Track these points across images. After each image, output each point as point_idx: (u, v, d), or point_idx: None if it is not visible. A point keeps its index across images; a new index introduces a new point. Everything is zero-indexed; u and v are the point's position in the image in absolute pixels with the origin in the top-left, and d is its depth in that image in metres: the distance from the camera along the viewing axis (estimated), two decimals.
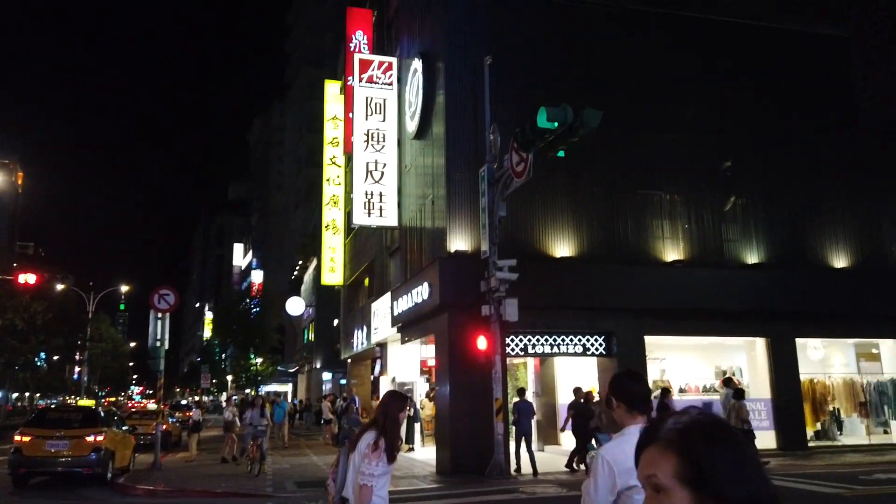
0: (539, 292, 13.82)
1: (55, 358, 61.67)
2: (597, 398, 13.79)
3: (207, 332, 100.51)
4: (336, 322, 42.37)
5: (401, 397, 4.24)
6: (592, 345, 15.11)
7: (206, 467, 16.10)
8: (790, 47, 17.73)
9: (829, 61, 17.98)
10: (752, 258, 16.25)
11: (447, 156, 15.05)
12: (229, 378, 65.46)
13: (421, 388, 21.82)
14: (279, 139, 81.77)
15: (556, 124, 10.49)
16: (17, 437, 13.12)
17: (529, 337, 14.81)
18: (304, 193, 72.99)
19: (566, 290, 14.56)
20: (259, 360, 49.27)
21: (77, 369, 73.90)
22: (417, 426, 20.04)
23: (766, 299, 15.40)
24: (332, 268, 29.82)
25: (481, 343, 13.19)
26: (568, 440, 18.10)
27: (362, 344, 24.75)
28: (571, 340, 15.04)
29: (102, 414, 14.85)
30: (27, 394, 62.20)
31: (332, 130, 30.37)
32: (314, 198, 63.97)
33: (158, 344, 16.28)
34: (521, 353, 14.79)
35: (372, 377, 28.60)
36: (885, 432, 16.68)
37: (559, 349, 14.98)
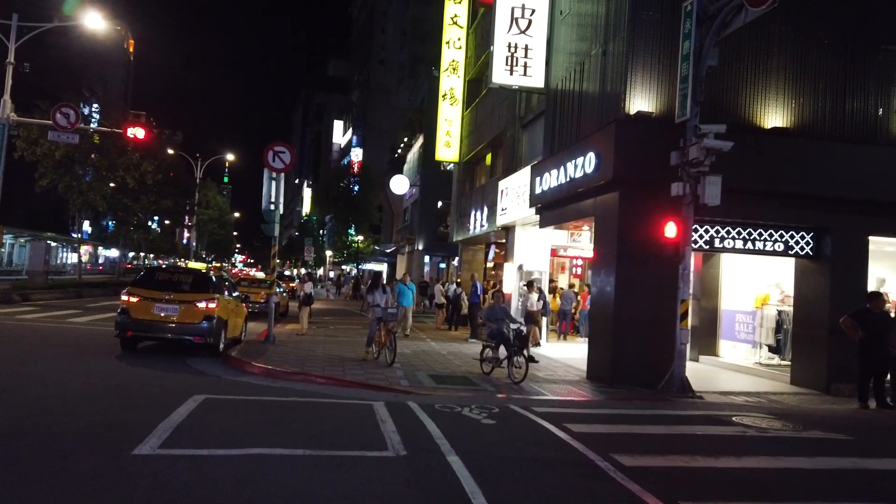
0: (738, 172, 10.73)
1: (166, 222, 63.81)
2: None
3: (306, 208, 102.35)
4: (440, 203, 40.39)
5: None
6: (797, 242, 12.01)
7: (322, 344, 14.65)
8: None
9: None
10: None
11: None
12: (328, 253, 66.14)
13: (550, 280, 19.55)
14: (383, 10, 77.71)
15: None
16: (125, 297, 11.80)
17: (718, 228, 11.86)
18: (409, 69, 69.73)
19: (774, 172, 11.37)
20: (360, 238, 48.51)
21: (186, 234, 76.97)
22: (545, 320, 17.91)
23: None
24: (448, 142, 27.17)
25: (670, 230, 10.43)
26: (728, 351, 15.50)
27: (481, 226, 22.45)
28: (771, 236, 11.98)
29: (214, 279, 13.38)
30: (142, 254, 65.35)
31: None
32: (420, 73, 60.68)
33: (273, 207, 14.47)
34: (706, 248, 11.92)
35: (486, 263, 26.59)
36: None
37: (754, 246, 11.98)
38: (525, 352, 11.05)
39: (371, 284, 13.21)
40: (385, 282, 13.11)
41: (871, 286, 12.43)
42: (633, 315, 11.24)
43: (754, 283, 14.98)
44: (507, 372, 11.07)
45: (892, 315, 10.43)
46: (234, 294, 14.35)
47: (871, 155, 11.68)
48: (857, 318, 9.94)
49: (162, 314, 11.74)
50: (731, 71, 11.60)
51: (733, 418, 8.25)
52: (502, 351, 11.29)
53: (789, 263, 13.15)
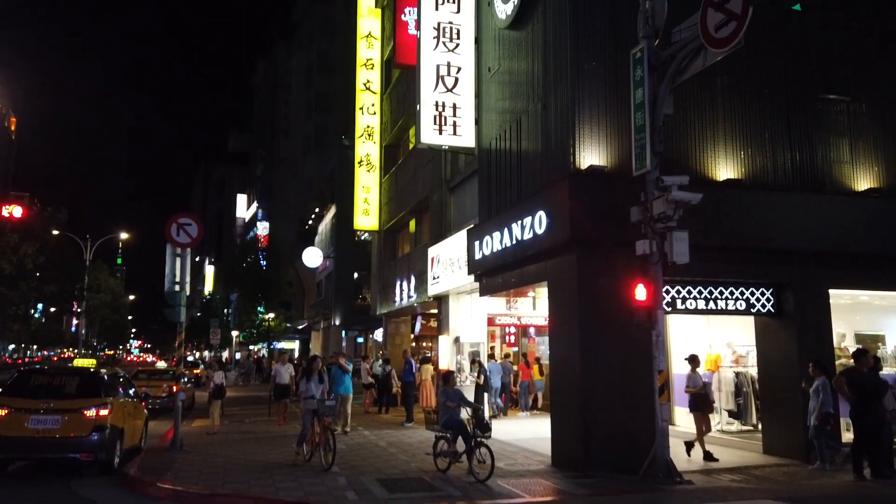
0: (696, 228, 9.93)
1: (52, 310, 58.15)
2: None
3: (209, 287, 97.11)
4: (357, 275, 38.66)
5: None
6: (758, 300, 11.35)
7: (239, 445, 12.52)
8: None
9: None
10: None
11: (574, 39, 10.98)
12: (234, 334, 62.24)
13: (492, 352, 18.23)
14: (286, 82, 76.90)
15: None
16: None
17: (679, 287, 11.03)
18: (315, 140, 68.69)
19: (731, 226, 10.75)
20: (271, 315, 45.60)
21: (75, 321, 70.64)
22: (486, 396, 16.45)
23: None
24: (366, 210, 25.88)
25: (640, 293, 9.42)
26: (683, 418, 14.56)
27: (409, 297, 21.02)
28: (731, 293, 11.27)
29: (106, 378, 11.15)
30: (23, 346, 58.96)
31: (367, 50, 26.11)
32: (327, 143, 59.77)
33: (177, 288, 12.49)
34: (668, 310, 11.00)
35: (412, 335, 25.02)
36: None
37: (716, 305, 11.21)
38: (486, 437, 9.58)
39: (305, 370, 11.30)
40: (315, 365, 11.17)
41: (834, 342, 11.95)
42: (602, 388, 10.05)
43: (701, 343, 14.28)
44: (466, 467, 9.50)
45: (882, 375, 9.78)
46: (130, 392, 12.11)
47: (821, 205, 11.33)
48: (848, 379, 9.18)
49: (39, 428, 9.47)
50: (679, 122, 11.05)
51: None
52: (460, 443, 9.74)
53: (736, 321, 12.55)
